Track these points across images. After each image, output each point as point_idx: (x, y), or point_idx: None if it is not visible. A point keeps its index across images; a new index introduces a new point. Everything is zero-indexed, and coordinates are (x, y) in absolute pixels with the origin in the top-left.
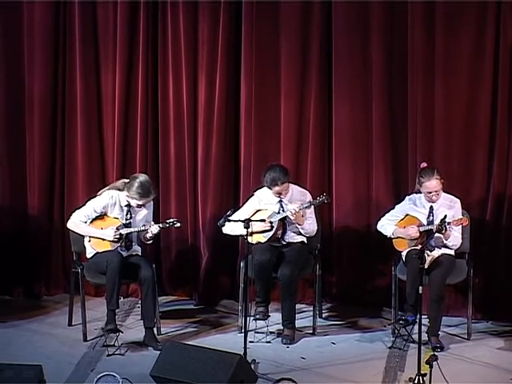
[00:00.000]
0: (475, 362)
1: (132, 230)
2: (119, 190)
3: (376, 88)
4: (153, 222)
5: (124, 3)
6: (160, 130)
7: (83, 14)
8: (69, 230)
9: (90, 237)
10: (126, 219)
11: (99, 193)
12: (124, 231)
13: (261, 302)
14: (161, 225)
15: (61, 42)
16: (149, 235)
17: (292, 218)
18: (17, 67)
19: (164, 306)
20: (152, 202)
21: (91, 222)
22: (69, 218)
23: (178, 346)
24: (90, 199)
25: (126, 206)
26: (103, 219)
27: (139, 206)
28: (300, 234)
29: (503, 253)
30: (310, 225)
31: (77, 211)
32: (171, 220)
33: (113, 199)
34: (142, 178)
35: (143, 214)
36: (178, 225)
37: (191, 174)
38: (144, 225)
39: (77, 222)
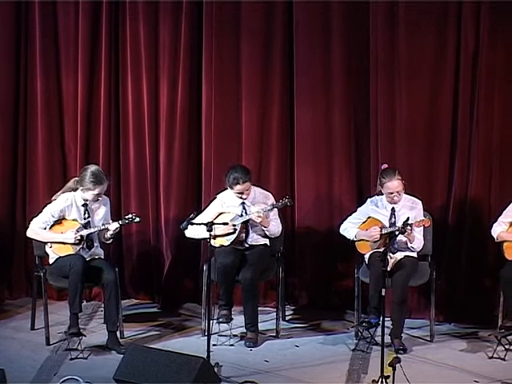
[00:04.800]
0: (438, 364)
1: (92, 230)
2: (73, 190)
3: (338, 90)
4: (111, 221)
5: (85, 3)
6: (121, 133)
7: (43, 14)
8: (29, 238)
9: (51, 243)
10: (85, 218)
11: (54, 197)
12: (84, 232)
13: (224, 305)
14: (120, 221)
15: (22, 42)
16: (109, 233)
17: (257, 220)
18: None
19: (127, 309)
20: (109, 201)
21: (50, 227)
22: (27, 227)
23: (141, 350)
24: (46, 205)
25: (82, 205)
26: (61, 224)
27: (95, 200)
28: (263, 236)
29: (465, 255)
30: (275, 226)
31: (34, 219)
32: (130, 215)
33: (68, 201)
34: (93, 167)
35: (102, 213)
36: (138, 219)
37: (153, 176)
38: (103, 224)
39: (36, 229)
